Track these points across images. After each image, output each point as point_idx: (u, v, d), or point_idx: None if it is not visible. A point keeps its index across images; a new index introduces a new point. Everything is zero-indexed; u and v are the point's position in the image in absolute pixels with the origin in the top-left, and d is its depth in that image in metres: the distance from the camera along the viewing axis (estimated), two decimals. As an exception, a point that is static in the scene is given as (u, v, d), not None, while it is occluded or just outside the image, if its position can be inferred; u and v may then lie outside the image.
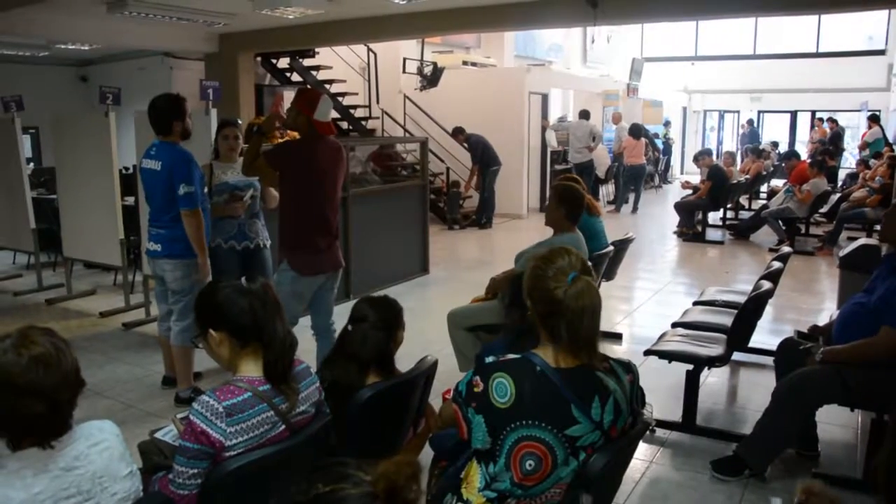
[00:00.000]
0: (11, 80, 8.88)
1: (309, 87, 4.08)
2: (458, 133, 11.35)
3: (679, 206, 10.56)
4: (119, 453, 1.71)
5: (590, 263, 2.05)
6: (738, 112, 21.63)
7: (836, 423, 3.86)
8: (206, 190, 4.31)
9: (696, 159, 11.34)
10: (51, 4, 6.44)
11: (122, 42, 9.31)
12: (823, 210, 10.02)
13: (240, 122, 5.07)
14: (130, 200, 6.55)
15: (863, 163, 11.89)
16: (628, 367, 2.04)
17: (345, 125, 11.47)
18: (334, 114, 11.11)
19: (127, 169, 7.10)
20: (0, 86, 7.26)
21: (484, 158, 11.38)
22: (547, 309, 1.93)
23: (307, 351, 3.91)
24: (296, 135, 4.43)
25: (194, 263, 4.14)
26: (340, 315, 4.35)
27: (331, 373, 2.64)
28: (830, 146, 13.84)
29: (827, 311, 6.01)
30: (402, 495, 1.14)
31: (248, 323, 2.02)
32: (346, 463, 1.18)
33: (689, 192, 10.85)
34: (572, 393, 1.88)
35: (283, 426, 2.01)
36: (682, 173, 20.70)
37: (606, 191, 14.38)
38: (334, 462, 1.18)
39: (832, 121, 16.05)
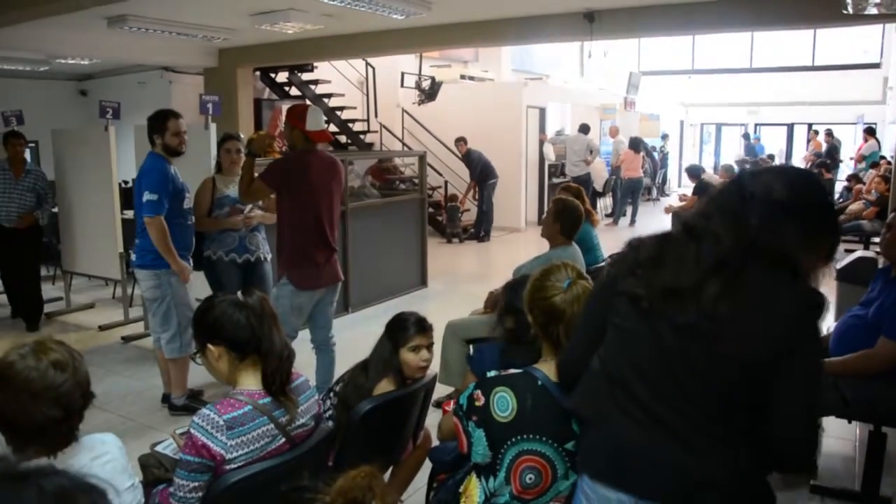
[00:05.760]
0: (12, 94, 8.92)
1: (299, 102, 4.09)
2: (460, 141, 11.37)
3: (674, 215, 10.57)
4: (122, 466, 1.72)
5: (588, 276, 2.08)
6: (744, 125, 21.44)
7: (833, 435, 3.87)
8: (188, 204, 4.36)
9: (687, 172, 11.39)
10: (51, 20, 6.46)
11: (121, 57, 9.35)
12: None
13: (242, 136, 5.09)
14: (129, 214, 6.56)
15: (854, 177, 11.94)
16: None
17: (343, 139, 11.51)
18: (333, 128, 11.18)
19: (126, 182, 7.12)
20: (0, 100, 7.28)
21: (482, 173, 11.43)
22: (546, 317, 1.96)
23: (307, 364, 3.93)
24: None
25: (165, 274, 4.18)
26: (340, 329, 4.38)
27: (350, 373, 2.75)
28: (827, 159, 13.89)
29: (824, 323, 6.01)
30: None
31: (246, 336, 2.04)
32: (304, 488, 1.19)
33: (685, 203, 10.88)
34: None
35: (283, 439, 2.02)
36: (679, 186, 20.75)
37: (604, 204, 14.42)
38: (292, 489, 1.20)
39: (828, 134, 16.10)
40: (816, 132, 17.55)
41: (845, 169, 16.39)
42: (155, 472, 2.20)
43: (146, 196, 4.06)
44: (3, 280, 6.38)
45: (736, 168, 13.41)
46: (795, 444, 1.52)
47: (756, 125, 21.51)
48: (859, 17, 5.85)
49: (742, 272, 1.51)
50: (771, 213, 1.51)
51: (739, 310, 1.49)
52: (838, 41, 17.78)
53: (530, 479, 1.88)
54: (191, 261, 4.41)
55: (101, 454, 1.68)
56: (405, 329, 2.73)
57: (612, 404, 1.60)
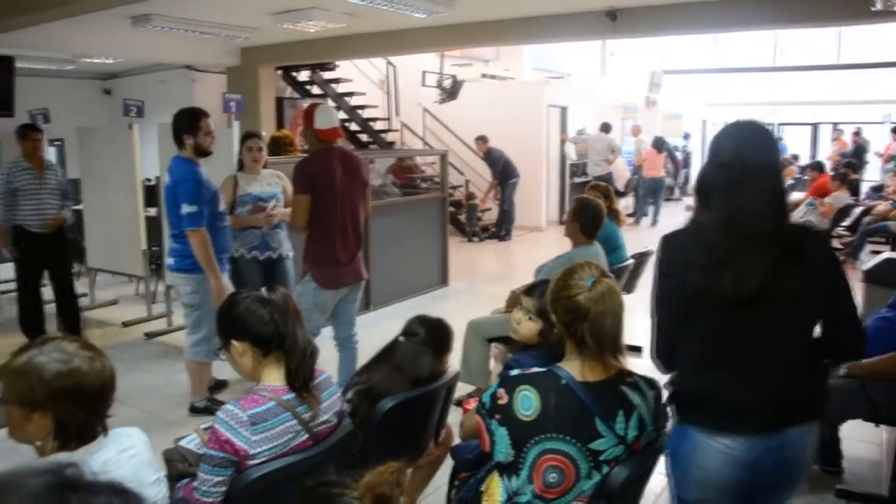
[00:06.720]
0: (38, 93, 9.02)
1: (313, 103, 4.08)
2: (481, 140, 11.36)
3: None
4: (147, 459, 1.72)
5: (611, 275, 2.06)
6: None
7: (860, 438, 3.81)
8: (223, 206, 4.30)
9: None
10: (77, 19, 6.53)
11: (145, 56, 9.45)
12: (846, 223, 9.92)
13: (263, 134, 5.11)
14: (153, 211, 6.63)
15: None
16: (652, 383, 2.04)
17: (364, 137, 11.55)
18: (354, 126, 11.21)
19: (149, 180, 7.18)
20: (27, 99, 7.38)
21: (504, 172, 11.41)
22: (570, 316, 1.94)
23: (329, 361, 3.94)
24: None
25: (205, 279, 4.08)
26: (362, 326, 4.39)
27: (370, 377, 2.68)
28: (853, 159, 13.69)
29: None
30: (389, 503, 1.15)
31: (270, 332, 2.05)
32: (330, 483, 1.18)
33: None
34: (597, 407, 1.89)
35: (306, 435, 2.03)
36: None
37: (626, 203, 14.32)
38: (319, 484, 1.19)
39: (856, 133, 15.86)
40: (841, 131, 17.30)
41: (871, 169, 16.16)
42: (179, 466, 2.21)
43: (185, 209, 3.93)
44: (28, 288, 5.74)
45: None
46: (859, 338, 2.02)
47: (779, 124, 21.29)
48: (888, 15, 5.77)
49: (798, 245, 1.88)
50: (778, 181, 1.97)
51: (808, 275, 1.86)
52: (865, 39, 17.51)
53: (553, 478, 1.87)
54: (228, 265, 4.34)
55: (128, 448, 1.69)
56: (449, 338, 2.79)
57: (711, 375, 1.92)
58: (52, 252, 5.66)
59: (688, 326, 1.94)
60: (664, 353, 2.01)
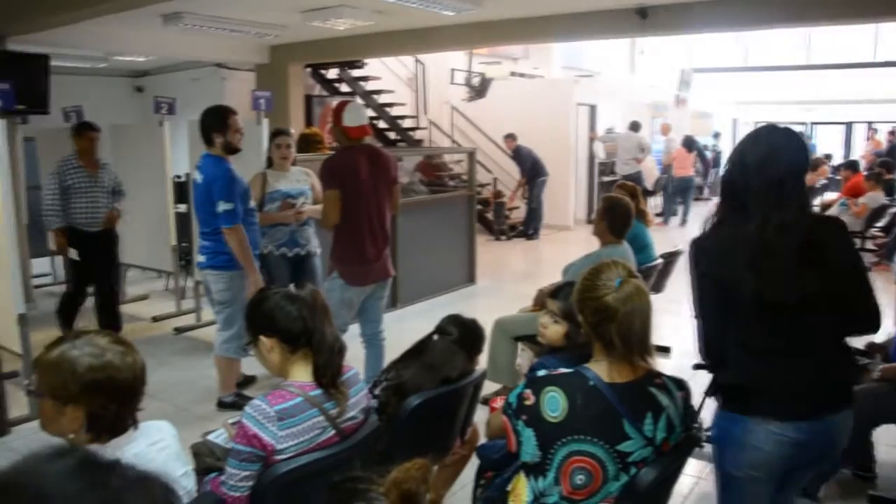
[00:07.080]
0: (72, 91, 9.15)
1: (343, 100, 4.15)
2: (509, 137, 11.34)
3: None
4: (175, 453, 1.74)
5: (638, 275, 2.04)
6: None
7: (893, 443, 3.74)
8: (252, 203, 4.32)
9: None
10: (109, 17, 6.61)
11: (176, 53, 9.55)
12: (881, 224, 9.73)
13: (292, 131, 5.14)
14: (182, 208, 6.70)
15: None
16: (681, 384, 2.02)
17: (392, 135, 11.57)
18: (382, 124, 11.24)
19: (179, 177, 7.26)
20: (61, 96, 7.47)
21: (532, 170, 11.37)
22: (597, 316, 1.92)
23: (356, 358, 3.95)
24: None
25: (237, 276, 4.11)
26: (388, 323, 4.40)
27: (400, 373, 2.68)
28: (888, 158, 13.44)
29: (885, 327, 5.82)
30: (415, 500, 1.15)
31: (298, 328, 2.05)
32: (357, 478, 1.19)
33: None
34: (625, 408, 1.87)
35: (333, 431, 2.03)
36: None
37: (654, 203, 14.19)
38: (346, 479, 1.20)
39: (892, 132, 15.57)
40: (876, 130, 17.00)
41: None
42: (207, 460, 2.23)
43: (222, 206, 3.97)
44: (76, 285, 5.68)
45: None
46: (879, 313, 2.10)
47: (812, 123, 20.93)
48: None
49: (821, 240, 1.96)
50: (804, 182, 2.05)
51: (835, 267, 1.95)
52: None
53: (581, 479, 1.85)
54: (257, 262, 4.34)
55: (157, 441, 1.71)
56: (481, 339, 2.81)
57: (758, 368, 1.99)
58: (102, 251, 5.60)
59: (734, 324, 2.00)
60: (713, 351, 2.09)
